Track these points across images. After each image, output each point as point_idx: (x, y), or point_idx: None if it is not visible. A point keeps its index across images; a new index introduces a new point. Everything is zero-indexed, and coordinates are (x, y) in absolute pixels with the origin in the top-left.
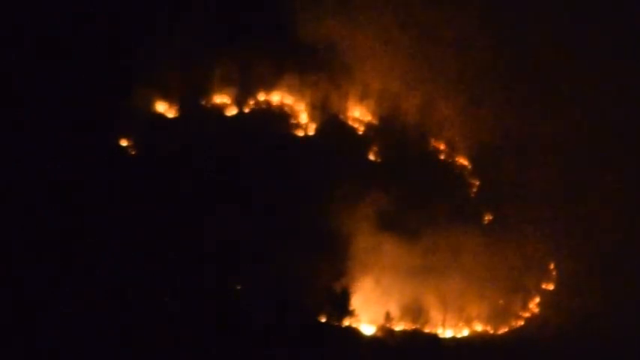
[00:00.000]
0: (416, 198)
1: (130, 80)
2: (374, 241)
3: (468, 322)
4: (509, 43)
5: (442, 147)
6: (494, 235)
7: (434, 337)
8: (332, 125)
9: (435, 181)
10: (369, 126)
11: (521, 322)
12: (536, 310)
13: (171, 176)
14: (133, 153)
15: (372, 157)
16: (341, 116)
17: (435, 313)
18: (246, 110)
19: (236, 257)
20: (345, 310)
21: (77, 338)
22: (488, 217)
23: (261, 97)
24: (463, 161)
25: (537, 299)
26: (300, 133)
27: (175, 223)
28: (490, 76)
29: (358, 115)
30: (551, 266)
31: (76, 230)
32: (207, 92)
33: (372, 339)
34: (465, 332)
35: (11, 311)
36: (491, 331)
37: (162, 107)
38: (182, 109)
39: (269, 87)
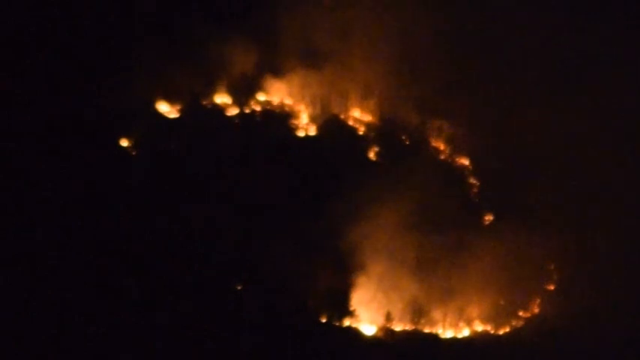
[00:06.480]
0: (416, 198)
1: (130, 80)
2: (374, 241)
3: (469, 322)
4: (511, 43)
5: (442, 147)
6: (494, 236)
7: (434, 337)
8: (332, 125)
9: (435, 181)
10: (369, 126)
11: (522, 322)
12: (536, 310)
13: (171, 176)
14: (134, 153)
15: (372, 157)
16: (341, 116)
17: (435, 313)
18: (247, 110)
19: (237, 257)
20: (345, 310)
21: (76, 338)
22: (488, 218)
23: (262, 97)
24: (463, 161)
25: (537, 299)
26: (301, 134)
27: (176, 223)
28: (491, 77)
29: (358, 115)
30: (552, 267)
31: (76, 229)
32: (208, 92)
33: (373, 339)
34: (465, 332)
35: (10, 311)
36: (492, 331)
37: (162, 107)
38: (182, 109)
39: (269, 87)
